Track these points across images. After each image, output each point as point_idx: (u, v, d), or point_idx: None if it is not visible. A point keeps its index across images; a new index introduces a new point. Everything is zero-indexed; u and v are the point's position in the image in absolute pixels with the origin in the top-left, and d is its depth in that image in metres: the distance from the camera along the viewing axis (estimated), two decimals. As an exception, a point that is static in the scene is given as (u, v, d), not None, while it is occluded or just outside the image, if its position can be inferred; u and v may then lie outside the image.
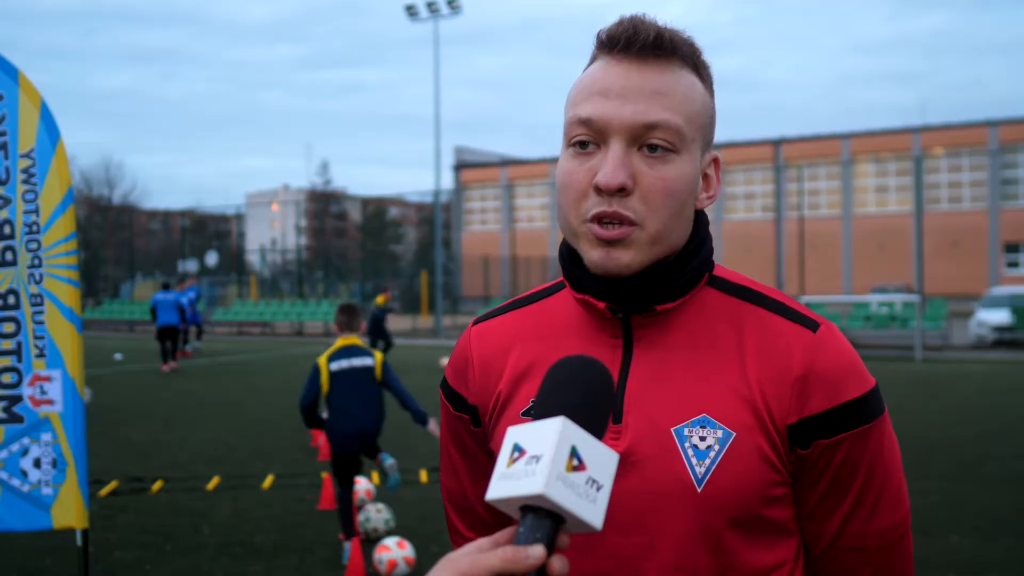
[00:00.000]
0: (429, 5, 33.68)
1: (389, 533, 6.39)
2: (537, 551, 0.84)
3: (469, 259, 53.82)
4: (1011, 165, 47.62)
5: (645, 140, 1.17)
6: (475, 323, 1.40)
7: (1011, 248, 46.87)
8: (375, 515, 6.47)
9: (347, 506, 6.09)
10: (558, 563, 0.85)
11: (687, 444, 1.17)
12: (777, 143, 51.76)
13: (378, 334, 19.00)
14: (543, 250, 55.01)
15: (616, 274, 1.19)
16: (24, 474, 4.06)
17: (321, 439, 9.60)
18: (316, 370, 6.02)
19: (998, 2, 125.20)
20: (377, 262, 53.30)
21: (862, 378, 1.21)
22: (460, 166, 62.04)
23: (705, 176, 1.26)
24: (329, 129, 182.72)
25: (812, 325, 1.22)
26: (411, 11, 34.12)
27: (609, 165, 1.16)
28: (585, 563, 1.18)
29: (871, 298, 27.38)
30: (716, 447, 1.16)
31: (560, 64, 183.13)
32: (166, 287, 20.07)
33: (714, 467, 1.16)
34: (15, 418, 4.07)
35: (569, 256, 1.27)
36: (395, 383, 6.20)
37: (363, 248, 66.04)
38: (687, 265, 1.23)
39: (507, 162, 61.89)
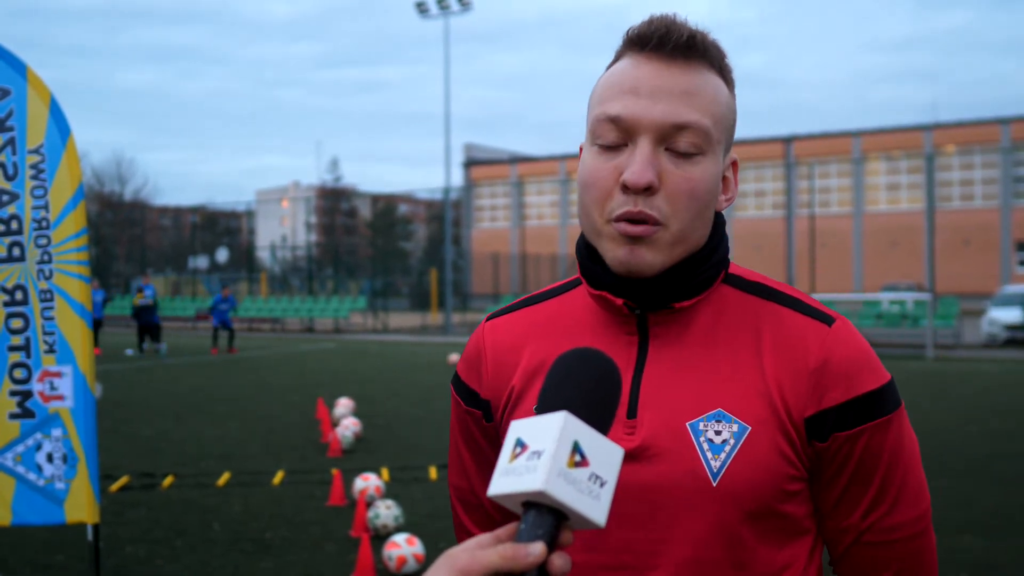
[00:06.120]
0: (439, 2, 33.69)
1: (398, 529, 6.39)
2: (537, 548, 0.83)
3: (479, 256, 53.87)
4: (1023, 163, 47.36)
5: (673, 140, 1.17)
6: (489, 318, 1.40)
7: (1023, 246, 46.63)
8: (384, 511, 6.46)
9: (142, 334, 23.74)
10: (559, 560, 0.83)
11: (702, 438, 1.17)
12: (788, 140, 51.60)
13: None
14: (553, 247, 54.99)
15: (639, 273, 1.18)
16: (39, 468, 4.07)
17: (332, 435, 9.68)
18: (135, 308, 23.58)
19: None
20: (386, 259, 53.32)
21: (878, 371, 1.21)
22: (470, 163, 62.02)
23: (724, 178, 1.27)
24: (341, 126, 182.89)
25: (827, 320, 1.23)
26: (421, 8, 34.14)
27: (637, 164, 1.15)
28: (601, 557, 1.19)
29: (882, 296, 27.28)
30: (731, 441, 1.17)
31: (575, 61, 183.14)
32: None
33: (729, 461, 1.16)
34: (28, 413, 4.07)
35: (587, 252, 1.26)
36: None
37: (373, 245, 66.10)
38: (705, 264, 1.23)
39: (517, 159, 61.86)
